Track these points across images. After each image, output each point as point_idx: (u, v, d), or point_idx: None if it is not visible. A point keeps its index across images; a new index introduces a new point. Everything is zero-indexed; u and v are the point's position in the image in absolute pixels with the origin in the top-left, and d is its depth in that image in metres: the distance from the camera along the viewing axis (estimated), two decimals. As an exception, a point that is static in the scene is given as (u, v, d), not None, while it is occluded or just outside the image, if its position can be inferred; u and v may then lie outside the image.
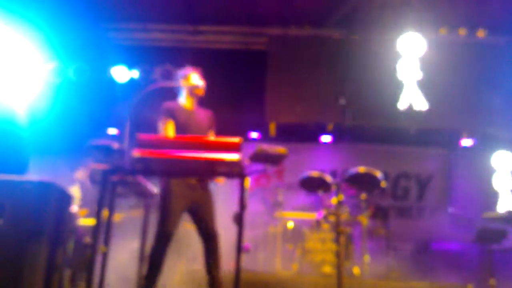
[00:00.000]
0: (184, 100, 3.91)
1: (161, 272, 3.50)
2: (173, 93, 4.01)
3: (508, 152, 7.11)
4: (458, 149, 7.28)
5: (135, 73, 6.70)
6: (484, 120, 6.86)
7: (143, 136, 2.62)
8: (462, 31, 6.78)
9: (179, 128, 3.76)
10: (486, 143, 7.22)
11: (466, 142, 7.21)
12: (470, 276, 5.90)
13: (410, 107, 6.69)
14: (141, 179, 3.22)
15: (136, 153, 2.59)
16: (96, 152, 3.39)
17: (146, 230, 3.74)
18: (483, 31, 6.84)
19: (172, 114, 3.84)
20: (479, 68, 6.78)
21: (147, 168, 2.68)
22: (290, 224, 5.46)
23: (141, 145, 2.60)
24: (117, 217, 5.06)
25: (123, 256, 5.42)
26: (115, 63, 6.80)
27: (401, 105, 6.70)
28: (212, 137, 3.66)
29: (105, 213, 2.90)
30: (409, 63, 6.82)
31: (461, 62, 6.77)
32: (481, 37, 6.88)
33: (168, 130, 3.76)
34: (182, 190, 3.61)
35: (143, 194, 3.53)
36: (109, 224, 3.03)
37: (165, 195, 3.59)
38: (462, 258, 6.21)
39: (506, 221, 5.25)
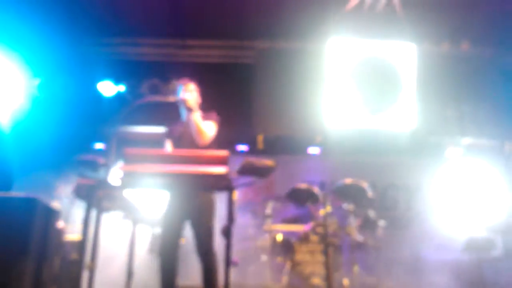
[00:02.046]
0: (182, 115, 3.94)
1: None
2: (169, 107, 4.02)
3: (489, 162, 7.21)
4: (444, 159, 7.34)
5: (122, 88, 6.71)
6: (470, 130, 6.94)
7: (129, 150, 2.61)
8: (446, 44, 6.88)
9: (176, 143, 3.80)
10: (473, 153, 7.30)
11: (453, 152, 7.27)
12: (460, 286, 5.93)
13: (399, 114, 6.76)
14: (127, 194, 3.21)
15: (122, 167, 2.58)
16: (82, 167, 3.37)
17: (134, 245, 3.70)
18: (466, 44, 6.95)
19: (170, 131, 3.90)
20: (464, 80, 6.87)
21: (133, 183, 2.66)
22: (279, 237, 5.43)
23: (128, 159, 2.59)
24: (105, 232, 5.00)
25: (112, 272, 5.37)
26: (102, 77, 6.79)
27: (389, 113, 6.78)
28: (200, 151, 3.63)
29: (91, 228, 2.87)
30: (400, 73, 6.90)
31: (446, 75, 6.86)
32: (464, 49, 6.99)
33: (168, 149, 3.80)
34: (178, 201, 3.59)
35: (130, 209, 3.51)
36: (95, 239, 3.00)
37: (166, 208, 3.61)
38: (452, 267, 6.23)
39: (495, 231, 5.30)
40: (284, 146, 7.30)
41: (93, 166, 3.31)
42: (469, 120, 6.89)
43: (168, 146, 3.83)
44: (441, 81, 6.82)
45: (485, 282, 5.05)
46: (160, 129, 4.01)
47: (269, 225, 5.58)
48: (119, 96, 6.72)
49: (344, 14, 6.25)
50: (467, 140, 7.10)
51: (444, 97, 6.80)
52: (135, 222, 3.74)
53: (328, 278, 3.44)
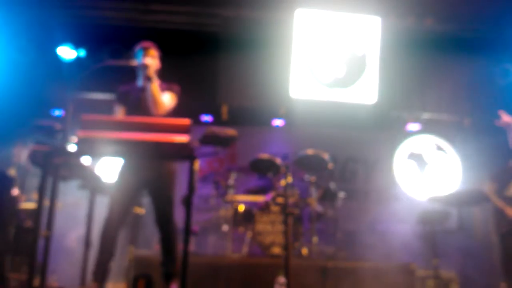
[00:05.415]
0: (139, 79, 3.78)
1: (113, 256, 3.42)
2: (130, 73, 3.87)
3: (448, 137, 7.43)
4: (404, 134, 7.50)
5: (82, 52, 6.48)
6: (431, 105, 7.09)
7: (87, 116, 2.53)
8: (410, 18, 6.92)
9: (131, 109, 3.65)
10: (432, 128, 7.48)
11: (412, 126, 7.43)
12: (414, 256, 6.14)
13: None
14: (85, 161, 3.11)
15: (79, 134, 2.49)
16: (38, 133, 3.25)
17: (92, 215, 3.63)
18: (430, 19, 7.00)
19: (123, 96, 3.72)
20: (427, 55, 6.96)
21: (91, 150, 2.58)
22: (241, 207, 5.46)
23: (85, 126, 2.51)
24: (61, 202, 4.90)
25: (69, 242, 5.29)
26: (62, 41, 6.54)
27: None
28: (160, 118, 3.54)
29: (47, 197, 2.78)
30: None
31: (409, 49, 6.93)
32: (429, 24, 7.05)
33: (118, 115, 3.65)
34: (132, 169, 3.51)
35: (88, 177, 3.41)
36: (51, 208, 2.92)
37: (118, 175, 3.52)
38: (407, 238, 6.44)
39: (449, 203, 5.46)
40: (248, 117, 7.28)
41: (50, 132, 3.19)
42: (430, 95, 7.02)
43: (119, 111, 3.67)
44: (404, 56, 6.89)
45: (437, 253, 5.24)
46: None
47: (232, 195, 5.59)
48: (79, 60, 6.50)
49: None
50: (427, 115, 7.26)
51: (406, 72, 6.89)
52: (93, 191, 3.65)
53: (287, 248, 3.48)
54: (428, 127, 7.44)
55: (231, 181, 5.70)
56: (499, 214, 5.73)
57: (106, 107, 6.48)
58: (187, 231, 2.55)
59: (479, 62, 7.09)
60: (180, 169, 3.61)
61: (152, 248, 5.57)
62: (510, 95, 6.97)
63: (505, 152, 6.08)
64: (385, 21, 6.92)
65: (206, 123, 7.24)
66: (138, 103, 3.62)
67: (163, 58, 3.87)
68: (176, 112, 3.73)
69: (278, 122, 7.42)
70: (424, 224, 5.59)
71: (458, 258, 6.16)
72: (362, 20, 6.90)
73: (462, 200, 5.34)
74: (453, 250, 5.96)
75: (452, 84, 7.01)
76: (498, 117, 5.25)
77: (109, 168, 4.85)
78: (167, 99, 3.64)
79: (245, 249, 5.23)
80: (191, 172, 2.63)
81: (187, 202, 2.59)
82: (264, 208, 5.24)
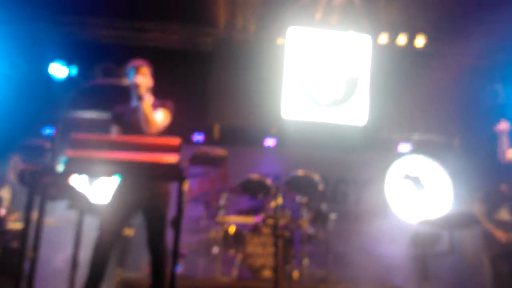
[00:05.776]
0: (133, 100, 3.72)
1: (102, 280, 3.34)
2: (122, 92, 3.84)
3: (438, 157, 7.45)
4: (395, 154, 7.51)
5: (74, 70, 6.47)
6: (420, 126, 7.13)
7: (76, 135, 2.50)
8: (401, 39, 7.00)
9: (126, 130, 3.61)
10: (422, 149, 7.50)
11: (403, 147, 7.45)
12: (405, 279, 6.10)
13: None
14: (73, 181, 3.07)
15: (68, 153, 2.46)
16: (27, 152, 3.21)
17: (80, 235, 3.57)
18: (421, 40, 7.09)
19: (118, 117, 3.69)
20: (416, 75, 7.03)
21: (80, 169, 2.54)
22: (232, 229, 5.40)
23: (74, 145, 2.48)
24: (50, 222, 4.83)
25: (56, 263, 5.20)
26: (54, 58, 6.53)
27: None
28: (151, 138, 3.50)
29: (35, 216, 2.73)
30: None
31: (400, 69, 7.00)
32: (419, 45, 7.13)
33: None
34: (127, 189, 3.47)
35: (76, 197, 3.36)
36: (38, 228, 2.86)
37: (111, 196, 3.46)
38: (398, 261, 6.40)
39: (440, 226, 5.46)
40: (240, 137, 7.26)
41: (39, 151, 3.16)
42: (419, 116, 7.06)
43: (115, 132, 3.64)
44: (394, 76, 6.95)
45: (428, 275, 5.20)
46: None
47: (222, 216, 5.53)
48: (70, 78, 6.48)
49: (303, 5, 6.25)
50: (417, 136, 7.28)
51: (395, 93, 6.94)
52: (82, 211, 3.59)
53: (277, 271, 3.43)
54: (419, 148, 7.46)
55: (222, 201, 5.65)
56: (489, 237, 5.73)
57: (98, 126, 6.50)
58: (175, 254, 2.50)
59: (468, 83, 7.18)
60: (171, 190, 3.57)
61: (140, 270, 5.48)
62: (499, 115, 7.02)
63: (495, 173, 6.11)
64: (376, 41, 6.99)
65: (198, 143, 7.21)
66: (133, 124, 3.57)
67: (155, 76, 3.85)
68: (168, 131, 3.70)
69: (269, 142, 7.40)
70: (416, 246, 5.57)
71: (449, 281, 6.12)
72: (353, 39, 6.96)
73: (453, 223, 5.34)
74: (444, 273, 5.93)
75: (441, 104, 7.06)
76: (487, 137, 5.29)
77: (101, 188, 4.81)
78: (159, 117, 3.60)
79: (235, 272, 5.15)
80: (180, 193, 2.60)
81: (176, 224, 2.55)
82: (255, 229, 5.19)
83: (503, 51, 7.09)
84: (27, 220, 2.59)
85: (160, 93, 3.91)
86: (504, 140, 4.81)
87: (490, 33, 6.68)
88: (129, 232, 4.89)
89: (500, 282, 5.63)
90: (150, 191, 3.46)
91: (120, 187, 3.47)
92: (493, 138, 5.14)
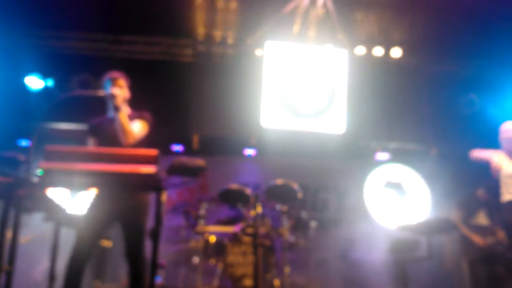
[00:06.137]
0: (109, 111, 3.72)
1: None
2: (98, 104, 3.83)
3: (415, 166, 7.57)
4: (373, 163, 7.60)
5: (50, 82, 6.42)
6: (398, 135, 7.24)
7: (50, 147, 2.48)
8: (378, 51, 7.11)
9: (102, 142, 3.60)
10: (400, 157, 7.61)
11: (381, 156, 7.54)
12: (385, 285, 6.15)
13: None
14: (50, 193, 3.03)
15: (42, 165, 2.44)
16: (1, 164, 3.16)
17: (57, 248, 3.53)
18: (398, 51, 7.21)
19: (95, 129, 3.68)
20: (393, 86, 7.15)
21: (54, 181, 2.52)
22: (212, 238, 5.39)
23: (49, 157, 2.46)
24: (26, 236, 4.76)
25: (33, 276, 5.11)
26: (30, 71, 6.47)
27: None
28: (128, 149, 3.49)
29: (10, 230, 2.70)
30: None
31: (376, 80, 7.11)
32: (396, 56, 7.26)
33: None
34: (104, 201, 3.44)
35: (53, 209, 3.33)
36: (14, 241, 2.82)
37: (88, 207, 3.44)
38: (378, 267, 6.46)
39: (418, 232, 5.53)
40: (220, 147, 7.27)
41: (13, 163, 3.11)
42: (396, 125, 7.17)
43: (91, 144, 3.63)
44: (371, 87, 7.05)
45: (408, 281, 5.26)
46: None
47: (202, 226, 5.51)
48: (47, 90, 6.42)
49: (281, 19, 6.33)
50: (394, 145, 7.39)
51: (373, 102, 7.03)
52: (58, 223, 3.55)
53: (256, 279, 3.43)
54: (397, 157, 7.56)
55: (202, 211, 5.63)
56: (467, 242, 5.82)
57: (74, 138, 6.44)
58: (154, 264, 2.49)
59: (444, 92, 7.32)
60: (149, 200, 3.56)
61: (119, 282, 5.42)
62: (475, 125, 7.18)
63: (471, 181, 6.23)
64: (352, 54, 7.09)
65: (177, 153, 7.19)
66: (109, 135, 3.56)
67: (134, 88, 3.85)
68: (148, 142, 3.69)
69: (250, 152, 7.42)
70: (395, 252, 5.64)
71: (429, 286, 6.19)
72: (329, 53, 7.06)
73: (431, 229, 5.41)
74: (424, 278, 5.99)
75: (418, 114, 7.18)
76: (464, 147, 5.40)
77: (76, 200, 4.75)
78: (136, 128, 3.60)
79: (216, 282, 5.13)
80: (158, 203, 2.60)
81: (154, 235, 2.54)
82: (235, 239, 5.18)
83: (477, 61, 7.26)
84: (2, 233, 2.55)
85: (140, 105, 3.90)
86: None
87: (464, 43, 6.85)
88: (107, 243, 4.84)
89: (479, 286, 5.72)
90: (127, 202, 3.44)
91: (96, 199, 3.45)
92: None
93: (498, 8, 6.11)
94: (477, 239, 5.75)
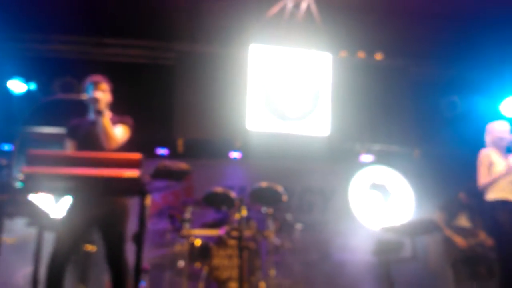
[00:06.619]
0: (90, 113, 3.71)
1: None
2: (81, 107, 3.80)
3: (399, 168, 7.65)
4: (358, 165, 7.65)
5: (32, 85, 6.35)
6: (381, 137, 7.30)
7: (33, 151, 2.46)
8: (361, 54, 7.18)
9: (81, 144, 3.58)
10: (384, 159, 7.68)
11: (366, 158, 7.60)
12: (370, 286, 6.20)
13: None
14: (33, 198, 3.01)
15: (24, 169, 2.42)
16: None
17: (40, 252, 3.50)
18: (380, 55, 7.29)
19: (74, 131, 3.65)
20: (377, 88, 7.21)
21: (37, 186, 2.50)
22: (198, 242, 5.37)
23: (31, 161, 2.44)
24: (10, 240, 4.71)
25: (16, 281, 5.06)
26: (12, 74, 6.40)
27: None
28: (111, 154, 3.47)
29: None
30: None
31: (360, 83, 7.17)
32: (379, 59, 7.33)
33: (69, 149, 3.58)
34: (82, 205, 3.41)
35: (36, 214, 3.29)
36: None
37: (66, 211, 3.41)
38: (363, 268, 6.51)
39: (403, 233, 5.59)
40: (205, 150, 7.25)
41: (-5, 168, 3.08)
42: (380, 127, 7.23)
43: (69, 146, 3.61)
44: (355, 90, 7.11)
45: (393, 282, 5.31)
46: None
47: (188, 229, 5.49)
48: (29, 94, 6.35)
49: (265, 22, 6.35)
50: (378, 147, 7.45)
51: (357, 105, 7.09)
52: (42, 228, 3.52)
53: (241, 282, 3.44)
54: (381, 159, 7.63)
55: (187, 215, 5.61)
56: (449, 243, 5.92)
57: (57, 142, 6.37)
58: (137, 269, 2.48)
59: (427, 94, 7.41)
60: (134, 204, 3.54)
61: (103, 286, 5.37)
62: (457, 126, 7.28)
63: (453, 182, 6.32)
64: (336, 57, 7.15)
65: (162, 156, 7.16)
66: (89, 137, 3.55)
67: (118, 91, 3.83)
68: (131, 145, 3.68)
69: (235, 155, 7.42)
70: (380, 253, 5.68)
71: (413, 287, 6.26)
72: (314, 56, 7.10)
73: (415, 230, 5.48)
74: (408, 279, 6.05)
75: (401, 116, 7.26)
76: (447, 148, 5.47)
77: (58, 204, 4.71)
78: (119, 132, 3.59)
79: (201, 286, 5.12)
80: (142, 207, 2.59)
81: (138, 239, 2.53)
82: (221, 242, 5.17)
83: (458, 63, 7.36)
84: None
85: (123, 108, 3.89)
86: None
87: (446, 46, 6.94)
88: (91, 248, 4.80)
89: (462, 286, 5.81)
90: (108, 207, 3.42)
91: (77, 202, 3.42)
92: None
93: (479, 10, 6.21)
94: (459, 240, 5.84)
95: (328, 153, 7.23)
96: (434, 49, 7.09)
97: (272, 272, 5.28)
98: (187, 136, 6.96)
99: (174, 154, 7.03)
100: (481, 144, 5.10)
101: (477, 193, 5.04)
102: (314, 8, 6.19)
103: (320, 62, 7.13)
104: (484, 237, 5.81)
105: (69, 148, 3.61)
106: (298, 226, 5.92)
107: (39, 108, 3.31)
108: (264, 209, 5.61)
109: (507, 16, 6.16)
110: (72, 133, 3.64)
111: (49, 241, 3.43)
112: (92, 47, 6.80)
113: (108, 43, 6.82)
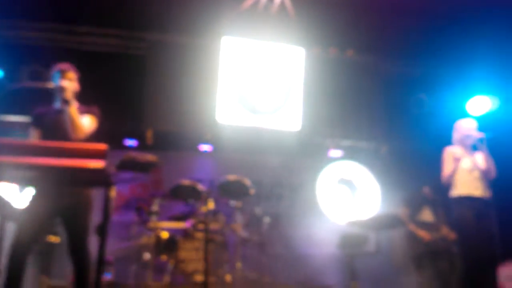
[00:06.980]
0: (56, 102, 3.66)
1: (20, 285, 3.23)
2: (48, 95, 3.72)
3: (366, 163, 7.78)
4: (326, 160, 7.74)
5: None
6: (351, 133, 7.41)
7: (-3, 140, 2.40)
8: (332, 50, 7.25)
9: (46, 133, 3.52)
10: (353, 155, 7.79)
11: (334, 153, 7.69)
12: (335, 279, 6.30)
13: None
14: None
15: (-15, 158, 2.36)
16: None
17: (1, 243, 3.43)
18: (351, 51, 7.37)
19: (39, 119, 3.58)
20: (347, 84, 7.31)
21: (1, 175, 2.44)
22: (165, 234, 5.34)
23: (-6, 150, 2.38)
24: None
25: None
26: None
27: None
28: (76, 144, 3.41)
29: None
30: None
31: (331, 79, 7.24)
32: (350, 56, 7.41)
33: (33, 138, 3.52)
34: (45, 195, 3.36)
35: (-3, 204, 3.23)
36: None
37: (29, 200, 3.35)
38: (328, 262, 6.61)
39: (367, 227, 5.70)
40: (174, 142, 7.20)
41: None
42: (350, 123, 7.34)
43: (34, 135, 3.55)
44: (326, 85, 7.19)
45: (357, 275, 5.41)
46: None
47: (155, 222, 5.46)
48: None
49: (238, 15, 6.34)
50: (347, 142, 7.56)
51: (328, 100, 7.17)
52: (3, 218, 3.45)
53: (206, 275, 3.46)
54: (349, 154, 7.74)
55: (154, 207, 5.57)
56: (413, 237, 6.06)
57: (21, 130, 6.23)
58: (101, 261, 2.46)
59: (395, 92, 7.54)
60: (98, 196, 3.50)
61: (66, 278, 5.30)
62: (424, 123, 7.44)
63: (418, 178, 6.46)
64: (309, 52, 7.20)
65: (131, 148, 7.07)
66: (54, 126, 3.49)
67: (87, 80, 3.78)
68: (100, 136, 3.63)
69: (205, 148, 7.39)
70: (344, 247, 5.78)
71: (377, 281, 6.39)
72: (286, 50, 7.14)
73: (379, 224, 5.59)
74: (372, 273, 6.18)
75: (370, 112, 7.38)
76: (413, 145, 5.60)
77: (20, 193, 4.62)
78: (86, 123, 3.55)
79: (167, 278, 5.11)
80: (107, 199, 2.56)
81: (101, 231, 2.51)
82: (188, 235, 5.16)
83: (426, 60, 7.51)
84: None
85: (92, 98, 3.83)
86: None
87: (414, 43, 7.07)
88: (54, 239, 4.74)
89: (425, 280, 5.96)
90: (71, 197, 3.39)
91: (40, 193, 3.37)
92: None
93: (448, 9, 6.33)
94: (422, 234, 5.98)
95: (298, 148, 7.30)
96: (403, 47, 7.21)
97: (239, 265, 5.31)
98: (156, 128, 6.90)
99: (143, 146, 6.95)
100: (447, 141, 5.23)
101: (442, 188, 5.19)
102: (288, 2, 6.21)
103: (292, 56, 7.17)
104: (446, 232, 5.97)
105: (34, 137, 3.54)
106: (266, 219, 5.96)
107: (4, 96, 3.23)
108: (232, 203, 5.63)
109: (475, 15, 6.29)
110: (37, 122, 3.57)
111: (11, 231, 3.37)
112: (61, 35, 6.65)
113: (78, 31, 6.69)
